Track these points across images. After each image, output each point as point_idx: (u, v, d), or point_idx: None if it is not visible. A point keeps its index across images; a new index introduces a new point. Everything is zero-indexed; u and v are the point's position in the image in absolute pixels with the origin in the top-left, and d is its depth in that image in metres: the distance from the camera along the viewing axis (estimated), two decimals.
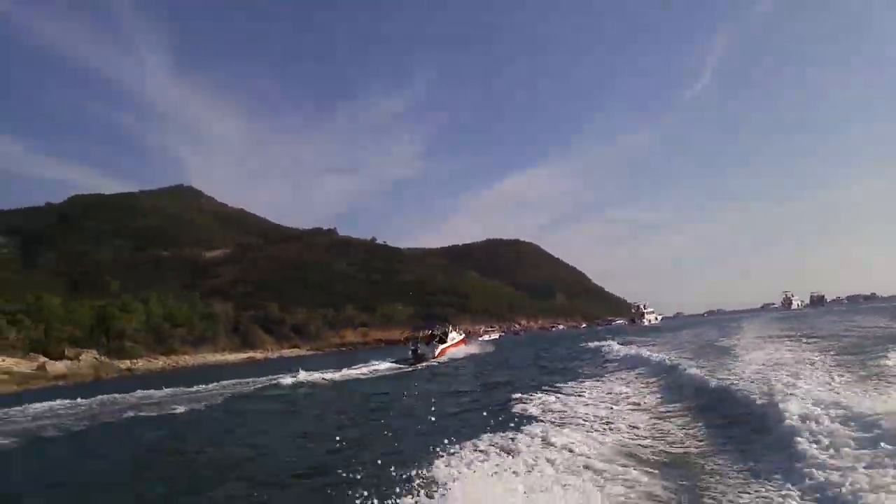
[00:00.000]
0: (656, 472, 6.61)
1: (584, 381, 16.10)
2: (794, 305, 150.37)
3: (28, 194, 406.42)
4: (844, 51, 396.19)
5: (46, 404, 21.65)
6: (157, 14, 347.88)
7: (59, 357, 65.80)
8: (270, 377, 27.06)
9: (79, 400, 22.37)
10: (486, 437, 8.37)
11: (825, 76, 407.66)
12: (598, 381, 16.14)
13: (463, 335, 46.58)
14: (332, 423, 13.15)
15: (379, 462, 7.14)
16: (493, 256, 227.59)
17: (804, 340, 21.63)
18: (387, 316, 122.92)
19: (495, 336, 61.26)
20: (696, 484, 6.17)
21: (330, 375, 27.15)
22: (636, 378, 15.94)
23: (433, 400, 14.71)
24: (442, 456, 7.16)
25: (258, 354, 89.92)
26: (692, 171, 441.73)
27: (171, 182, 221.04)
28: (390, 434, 10.01)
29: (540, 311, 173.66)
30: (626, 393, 13.17)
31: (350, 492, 5.79)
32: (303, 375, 25.81)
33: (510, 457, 7.22)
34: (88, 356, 63.24)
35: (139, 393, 24.51)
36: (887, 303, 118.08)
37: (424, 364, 33.68)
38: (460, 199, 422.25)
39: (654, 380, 14.86)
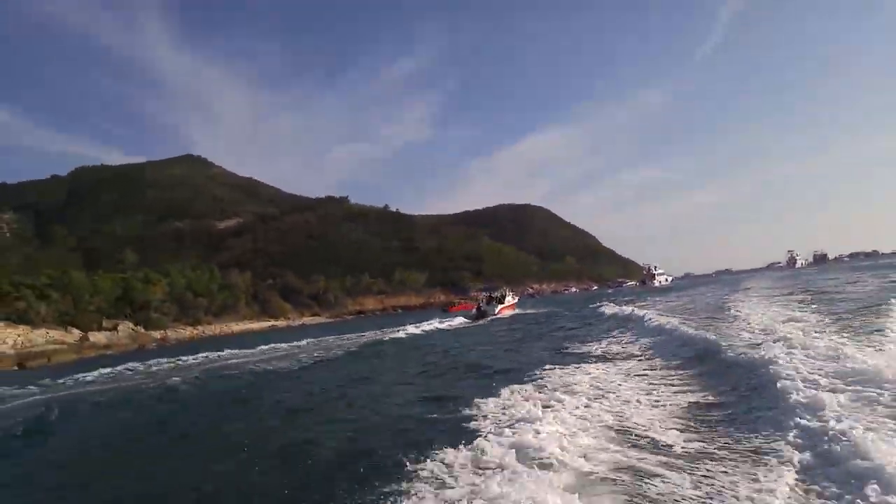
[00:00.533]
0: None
1: (609, 333, 20.28)
2: (799, 264, 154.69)
3: (32, 167, 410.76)
4: (863, 6, 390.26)
5: (170, 360, 26.47)
6: None
7: (89, 329, 70.49)
8: (351, 335, 32.06)
9: (183, 358, 27.00)
10: (552, 366, 12.44)
11: (839, 33, 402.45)
12: (618, 333, 20.21)
13: (516, 298, 53.83)
14: (442, 359, 17.56)
15: (483, 380, 11.17)
16: (504, 221, 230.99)
17: (796, 296, 25.51)
18: (403, 283, 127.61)
19: (514, 300, 65.92)
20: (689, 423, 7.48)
21: (414, 330, 32.88)
22: (635, 334, 19.67)
23: (507, 343, 19.25)
24: (524, 380, 11.14)
25: (280, 322, 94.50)
26: (702, 132, 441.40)
27: (177, 152, 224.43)
28: (486, 364, 14.22)
29: (551, 274, 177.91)
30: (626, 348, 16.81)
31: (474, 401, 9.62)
32: (406, 330, 32.00)
33: (579, 375, 11.19)
34: (125, 327, 67.91)
35: (230, 352, 29.52)
36: (886, 259, 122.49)
37: (487, 319, 41.33)
38: (471, 165, 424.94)
39: (652, 336, 17.08)
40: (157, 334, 72.03)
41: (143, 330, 70.58)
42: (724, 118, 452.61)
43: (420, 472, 6.12)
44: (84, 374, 24.31)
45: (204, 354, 29.69)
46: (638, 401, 8.60)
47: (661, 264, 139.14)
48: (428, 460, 6.38)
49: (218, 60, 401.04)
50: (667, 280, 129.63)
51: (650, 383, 10.04)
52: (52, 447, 10.54)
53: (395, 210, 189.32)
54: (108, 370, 25.91)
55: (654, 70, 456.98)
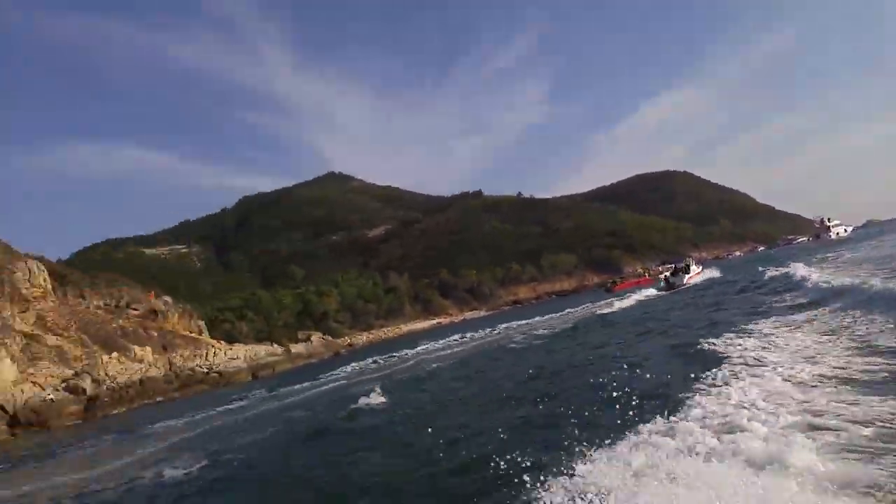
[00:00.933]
0: None
1: (795, 293, 21.37)
2: None
3: (206, 203, 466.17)
4: None
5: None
6: (276, 15, 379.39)
7: (281, 342, 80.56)
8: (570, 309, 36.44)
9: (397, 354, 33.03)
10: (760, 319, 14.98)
11: None
12: (805, 293, 20.96)
13: (701, 268, 55.16)
14: (660, 324, 21.20)
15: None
16: (644, 191, 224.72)
17: None
18: (553, 267, 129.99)
19: (698, 268, 62.28)
20: None
21: (620, 304, 37.33)
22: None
23: (707, 307, 22.05)
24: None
25: (444, 319, 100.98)
26: (847, 65, 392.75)
27: (320, 171, 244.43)
28: (706, 323, 17.23)
29: (707, 240, 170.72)
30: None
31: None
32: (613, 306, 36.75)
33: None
34: (317, 337, 77.00)
35: (440, 343, 35.07)
36: None
37: (677, 289, 44.29)
38: (596, 138, 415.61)
39: (847, 296, 16.42)
40: (342, 341, 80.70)
41: (330, 338, 79.44)
42: (872, 44, 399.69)
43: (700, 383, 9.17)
44: (335, 373, 30.51)
45: (421, 347, 35.32)
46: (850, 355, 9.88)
47: (834, 214, 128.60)
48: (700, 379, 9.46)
49: (336, 78, 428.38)
50: (845, 231, 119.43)
51: (860, 345, 10.54)
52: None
53: (528, 196, 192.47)
54: (348, 369, 32.02)
55: (780, 7, 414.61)
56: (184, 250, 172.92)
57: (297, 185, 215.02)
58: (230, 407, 25.58)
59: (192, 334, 68.81)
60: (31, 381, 44.34)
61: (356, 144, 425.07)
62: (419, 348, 35.90)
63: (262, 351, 61.03)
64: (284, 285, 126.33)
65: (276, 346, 74.78)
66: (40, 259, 63.23)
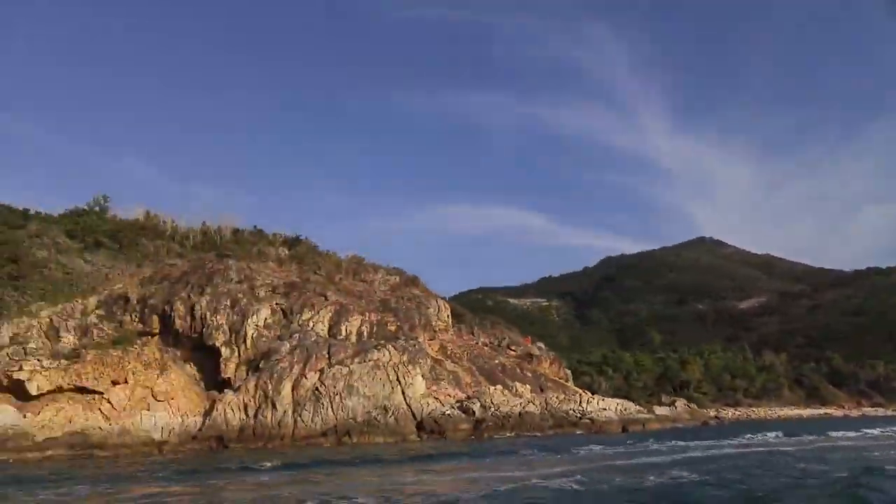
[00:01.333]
0: None
1: None
2: None
3: (567, 261, 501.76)
4: None
5: None
6: (654, 80, 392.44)
7: (640, 401, 79.91)
8: None
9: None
10: None
11: None
12: None
13: None
14: None
15: None
16: None
17: None
18: None
19: None
20: None
21: None
22: None
23: None
24: None
25: (835, 411, 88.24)
26: None
27: (686, 236, 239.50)
28: None
29: None
30: None
31: None
32: None
33: None
34: (681, 403, 75.37)
35: None
36: None
37: None
38: None
39: None
40: (707, 412, 77.26)
41: (695, 407, 76.79)
42: None
43: None
44: (745, 440, 30.33)
45: (838, 433, 32.76)
46: None
47: None
48: None
49: (716, 139, 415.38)
50: None
51: None
52: None
53: None
54: (756, 437, 31.33)
55: None
56: (545, 304, 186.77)
57: (661, 249, 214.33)
58: (650, 448, 27.22)
59: (561, 380, 74.03)
60: (434, 397, 53.68)
61: (734, 209, 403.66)
62: (837, 433, 33.38)
63: (632, 407, 62.71)
64: (642, 348, 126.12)
65: (637, 405, 75.47)
66: (444, 299, 76.33)
